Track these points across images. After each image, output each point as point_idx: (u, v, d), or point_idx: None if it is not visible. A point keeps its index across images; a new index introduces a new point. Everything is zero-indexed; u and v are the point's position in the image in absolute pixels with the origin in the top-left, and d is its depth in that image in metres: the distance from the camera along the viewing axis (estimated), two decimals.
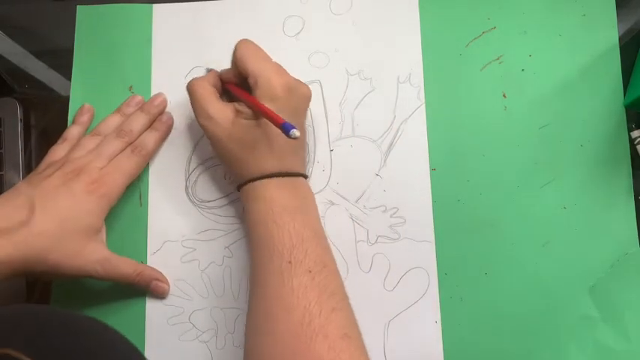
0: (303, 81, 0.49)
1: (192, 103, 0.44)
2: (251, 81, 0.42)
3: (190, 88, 0.44)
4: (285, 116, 0.40)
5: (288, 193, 0.42)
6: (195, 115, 0.44)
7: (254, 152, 0.42)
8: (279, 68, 0.43)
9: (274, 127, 0.40)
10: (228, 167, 0.45)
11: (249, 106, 0.42)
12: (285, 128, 0.38)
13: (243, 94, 0.43)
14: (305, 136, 0.46)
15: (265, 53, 0.44)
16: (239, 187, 0.44)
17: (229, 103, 0.44)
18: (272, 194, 0.41)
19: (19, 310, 0.32)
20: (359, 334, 0.38)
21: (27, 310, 0.32)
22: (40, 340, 0.29)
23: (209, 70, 0.48)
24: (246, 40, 0.44)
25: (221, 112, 0.43)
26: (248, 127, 0.42)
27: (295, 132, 0.37)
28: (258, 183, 0.42)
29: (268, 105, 0.41)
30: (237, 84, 0.45)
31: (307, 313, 0.36)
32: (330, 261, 0.41)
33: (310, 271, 0.38)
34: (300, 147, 0.44)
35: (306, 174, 0.45)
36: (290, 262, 0.38)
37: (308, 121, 0.49)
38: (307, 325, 0.36)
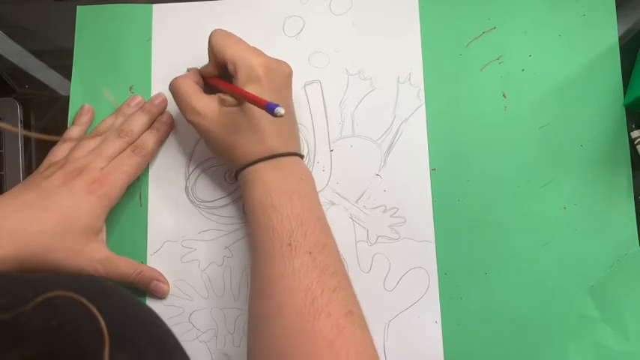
0: (304, 81, 0.50)
1: (177, 102, 0.45)
2: (230, 67, 0.43)
3: (173, 87, 0.45)
4: (268, 96, 0.40)
5: (282, 174, 0.42)
6: (182, 113, 0.44)
7: (242, 138, 0.42)
8: (255, 50, 0.43)
9: (258, 110, 0.40)
10: (222, 158, 0.46)
11: (232, 95, 0.43)
12: (270, 108, 0.38)
13: (223, 84, 0.44)
14: (293, 113, 0.46)
15: (240, 39, 0.44)
16: (235, 176, 0.44)
17: (213, 95, 0.44)
18: (266, 178, 0.42)
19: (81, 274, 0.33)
20: (361, 312, 0.38)
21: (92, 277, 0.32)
22: (103, 296, 0.29)
23: (189, 70, 0.48)
24: (219, 29, 0.44)
25: (206, 104, 0.43)
26: (233, 114, 0.42)
27: (280, 110, 0.37)
28: (251, 169, 0.42)
29: (251, 87, 0.41)
30: (217, 76, 0.46)
31: (310, 293, 0.37)
32: (330, 241, 0.41)
33: (311, 253, 0.39)
34: (290, 126, 0.44)
35: (301, 153, 0.45)
36: (290, 245, 0.39)
37: (308, 121, 0.49)
38: (310, 305, 0.36)
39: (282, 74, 0.44)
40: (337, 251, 0.41)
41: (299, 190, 0.42)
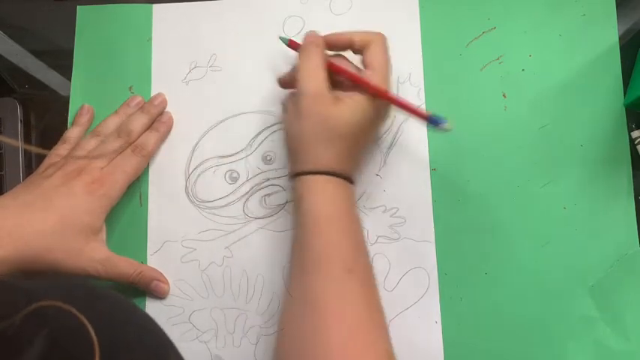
0: None
1: (300, 69, 0.42)
2: (368, 70, 0.41)
3: (302, 52, 0.42)
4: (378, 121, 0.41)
5: (350, 196, 0.41)
6: (297, 80, 0.42)
7: (335, 144, 0.40)
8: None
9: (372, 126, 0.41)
10: (300, 149, 0.42)
11: (361, 91, 0.41)
12: (435, 120, 0.36)
13: (358, 78, 0.41)
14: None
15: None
16: (298, 174, 0.42)
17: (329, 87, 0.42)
18: (347, 195, 0.41)
19: (73, 280, 0.33)
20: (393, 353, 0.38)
21: (81, 282, 0.32)
22: (93, 304, 0.29)
23: (287, 41, 0.45)
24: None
25: (324, 88, 0.41)
26: (349, 115, 0.41)
27: (448, 125, 0.35)
28: (334, 178, 0.41)
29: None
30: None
31: (360, 326, 0.36)
32: (374, 275, 0.40)
33: (364, 284, 0.38)
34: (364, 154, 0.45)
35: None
36: (350, 271, 0.38)
37: None
38: (356, 337, 0.36)
39: (387, 115, 0.45)
40: (377, 284, 0.40)
41: (359, 219, 0.42)
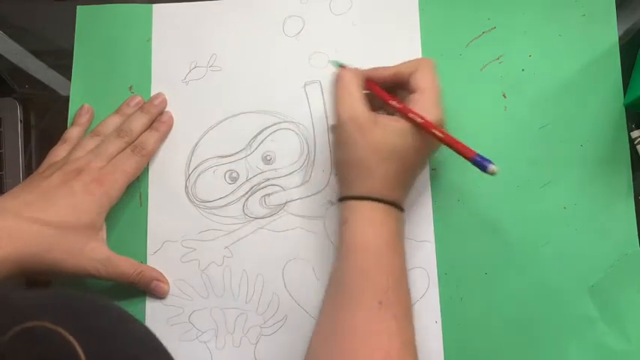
0: (303, 81, 0.49)
1: (337, 97, 0.41)
2: (412, 84, 0.40)
3: (338, 79, 0.41)
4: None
5: (396, 226, 0.40)
6: (337, 108, 0.41)
7: (379, 169, 0.39)
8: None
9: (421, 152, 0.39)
10: (340, 174, 0.42)
11: (405, 118, 0.39)
12: (481, 162, 0.35)
13: (404, 108, 0.40)
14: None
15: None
16: (352, 198, 0.41)
17: (380, 114, 0.41)
18: (392, 224, 0.40)
19: (62, 293, 0.32)
20: None
21: (70, 294, 0.32)
22: (86, 321, 0.28)
23: (340, 66, 0.43)
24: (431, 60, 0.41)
25: (368, 115, 0.40)
26: (389, 139, 0.39)
27: (495, 168, 0.34)
28: (382, 206, 0.40)
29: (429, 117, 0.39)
30: (381, 87, 0.42)
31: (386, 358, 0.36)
32: (411, 308, 0.40)
33: (396, 317, 0.37)
34: (413, 183, 0.43)
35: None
36: (381, 303, 0.37)
37: (308, 121, 0.49)
38: None
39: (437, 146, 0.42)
40: (413, 319, 0.40)
41: (402, 249, 0.41)
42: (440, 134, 0.39)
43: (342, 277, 0.40)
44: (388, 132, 0.39)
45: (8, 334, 0.24)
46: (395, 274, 0.39)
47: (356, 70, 0.42)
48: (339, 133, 0.41)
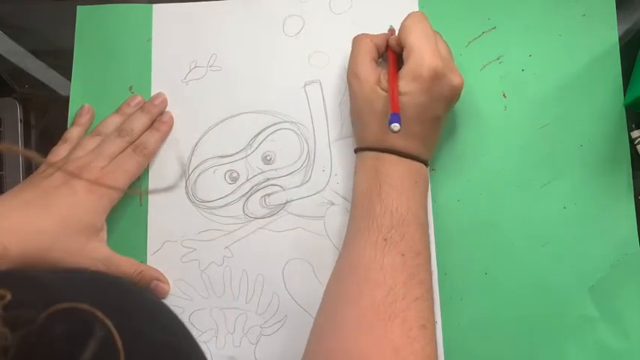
0: (303, 81, 0.49)
1: (350, 55, 0.45)
2: (405, 54, 0.42)
3: (354, 41, 0.45)
4: (424, 99, 0.40)
5: (400, 173, 0.42)
6: (348, 68, 0.45)
7: (381, 123, 0.42)
8: (436, 50, 0.41)
9: (406, 107, 0.40)
10: (354, 126, 0.47)
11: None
12: (391, 118, 0.38)
13: (390, 66, 0.43)
14: (439, 126, 0.44)
15: (432, 31, 0.42)
16: (356, 150, 0.45)
17: (378, 69, 0.44)
18: (383, 169, 0.42)
19: (98, 276, 0.33)
20: (434, 328, 0.39)
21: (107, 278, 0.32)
22: (117, 303, 0.29)
23: (390, 28, 0.48)
24: (420, 13, 0.43)
25: (367, 73, 0.43)
26: (382, 98, 0.42)
27: (394, 126, 0.37)
28: (374, 154, 0.43)
29: (411, 84, 0.40)
30: (397, 53, 0.45)
31: (391, 294, 0.37)
32: (426, 251, 0.41)
33: (403, 255, 0.39)
34: (431, 135, 0.44)
35: (428, 162, 0.45)
36: (385, 240, 0.39)
37: (308, 121, 0.49)
38: (389, 305, 0.37)
39: (448, 85, 0.41)
40: (429, 263, 0.41)
41: (409, 192, 0.42)
42: (390, 89, 0.41)
43: (351, 221, 0.43)
44: (378, 94, 0.42)
45: (45, 313, 0.24)
46: (402, 214, 0.40)
47: (373, 36, 0.45)
48: (350, 86, 0.45)
